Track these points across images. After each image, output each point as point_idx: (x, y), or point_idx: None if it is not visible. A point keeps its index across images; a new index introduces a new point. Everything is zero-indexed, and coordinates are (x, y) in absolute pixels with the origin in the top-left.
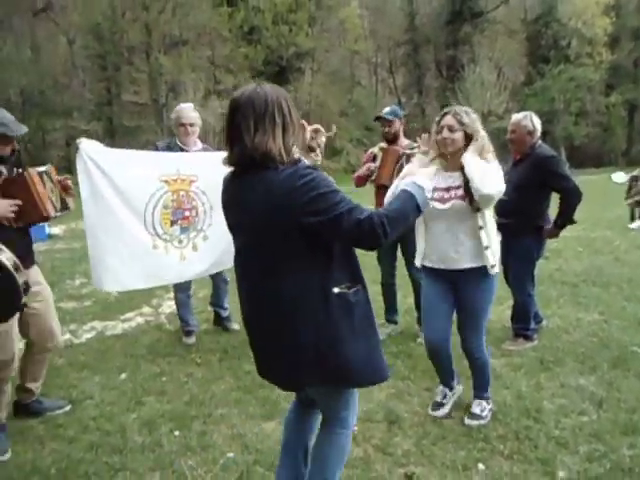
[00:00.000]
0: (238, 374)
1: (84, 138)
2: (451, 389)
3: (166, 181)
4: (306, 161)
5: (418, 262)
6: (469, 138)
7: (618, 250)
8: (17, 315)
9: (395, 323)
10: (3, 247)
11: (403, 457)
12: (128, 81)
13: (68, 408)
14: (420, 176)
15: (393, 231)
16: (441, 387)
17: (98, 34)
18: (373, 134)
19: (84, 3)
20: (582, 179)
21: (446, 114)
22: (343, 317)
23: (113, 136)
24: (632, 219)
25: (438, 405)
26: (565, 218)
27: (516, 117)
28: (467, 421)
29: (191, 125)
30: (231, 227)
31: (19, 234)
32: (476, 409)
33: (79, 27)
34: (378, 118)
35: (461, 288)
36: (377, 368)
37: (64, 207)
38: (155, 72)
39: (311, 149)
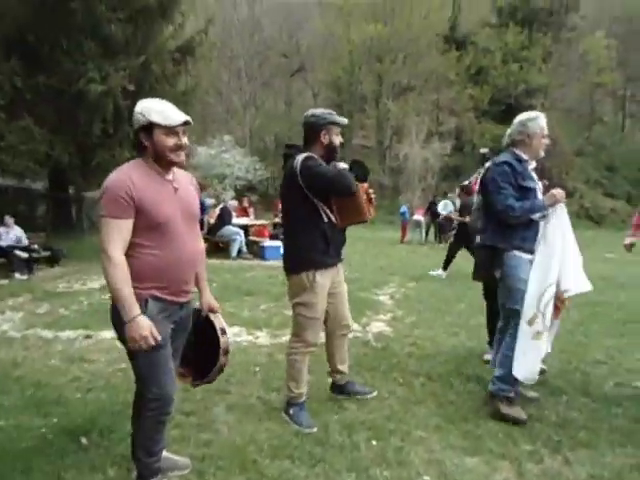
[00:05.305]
0: (441, 401)
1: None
2: None
3: None
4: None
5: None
6: None
7: None
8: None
9: None
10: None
11: None
12: (359, 127)
13: (375, 394)
14: None
15: None
16: None
17: (337, 86)
18: (615, 175)
19: (329, 62)
20: None
21: None
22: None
23: None
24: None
25: None
26: None
27: None
28: None
29: None
30: None
31: (341, 232)
32: None
33: (323, 82)
34: None
35: None
36: None
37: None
38: (382, 117)
39: None
